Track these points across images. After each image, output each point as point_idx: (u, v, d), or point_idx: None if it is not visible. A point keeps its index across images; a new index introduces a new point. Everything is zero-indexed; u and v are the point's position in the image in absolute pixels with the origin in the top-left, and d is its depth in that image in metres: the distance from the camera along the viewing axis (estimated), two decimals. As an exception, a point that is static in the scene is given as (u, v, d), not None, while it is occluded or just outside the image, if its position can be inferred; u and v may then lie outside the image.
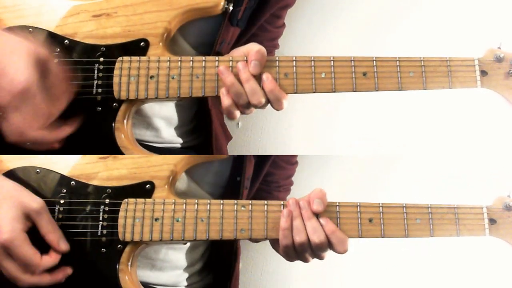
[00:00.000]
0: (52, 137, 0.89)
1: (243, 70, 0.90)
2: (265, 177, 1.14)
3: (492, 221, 0.93)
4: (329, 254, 0.92)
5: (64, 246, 0.89)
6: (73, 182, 0.92)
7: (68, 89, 0.89)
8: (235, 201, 0.91)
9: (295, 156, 1.23)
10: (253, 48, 0.91)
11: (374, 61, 0.92)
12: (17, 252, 0.84)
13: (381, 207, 0.91)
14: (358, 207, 0.91)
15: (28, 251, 0.85)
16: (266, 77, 0.90)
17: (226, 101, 0.91)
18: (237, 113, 0.92)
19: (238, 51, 0.94)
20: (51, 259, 0.88)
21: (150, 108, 1.03)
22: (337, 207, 0.91)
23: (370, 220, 0.91)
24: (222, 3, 0.93)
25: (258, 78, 0.91)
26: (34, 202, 0.87)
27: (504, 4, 1.35)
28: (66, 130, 0.90)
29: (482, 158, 1.40)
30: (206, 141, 1.12)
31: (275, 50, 1.23)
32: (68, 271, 0.90)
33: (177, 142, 1.09)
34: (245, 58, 0.92)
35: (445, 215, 0.92)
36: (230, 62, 0.92)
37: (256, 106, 0.91)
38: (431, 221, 0.92)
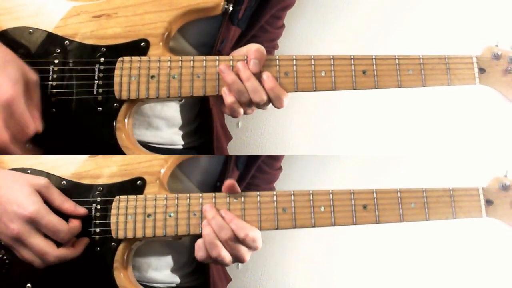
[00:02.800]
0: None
1: (243, 69, 0.91)
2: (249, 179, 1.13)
3: (488, 202, 0.92)
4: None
5: (82, 210, 0.90)
6: (64, 181, 0.92)
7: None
8: (227, 194, 0.91)
9: (279, 161, 1.21)
10: (252, 47, 0.92)
11: (374, 60, 0.93)
12: (45, 221, 0.85)
13: (375, 193, 0.91)
14: (352, 193, 0.91)
15: (55, 218, 0.86)
16: (266, 75, 0.91)
17: (229, 99, 0.91)
18: (241, 111, 0.93)
19: (238, 52, 0.95)
20: (75, 224, 0.89)
21: (152, 108, 1.03)
22: (331, 194, 0.91)
23: (365, 207, 0.90)
24: (222, 4, 0.94)
25: (258, 77, 0.91)
26: (40, 179, 0.89)
27: (501, 2, 1.36)
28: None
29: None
30: (207, 142, 1.12)
31: (274, 51, 1.23)
32: (86, 240, 0.90)
33: (179, 143, 1.10)
34: (245, 58, 0.92)
35: (441, 198, 0.91)
36: (231, 62, 0.92)
37: (258, 104, 0.92)
38: (426, 205, 0.91)
